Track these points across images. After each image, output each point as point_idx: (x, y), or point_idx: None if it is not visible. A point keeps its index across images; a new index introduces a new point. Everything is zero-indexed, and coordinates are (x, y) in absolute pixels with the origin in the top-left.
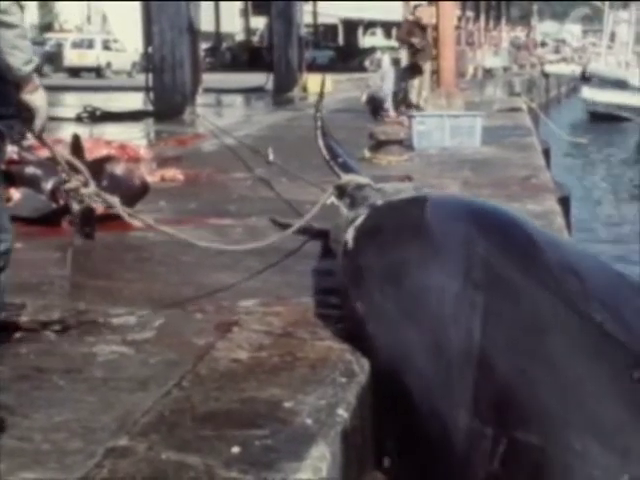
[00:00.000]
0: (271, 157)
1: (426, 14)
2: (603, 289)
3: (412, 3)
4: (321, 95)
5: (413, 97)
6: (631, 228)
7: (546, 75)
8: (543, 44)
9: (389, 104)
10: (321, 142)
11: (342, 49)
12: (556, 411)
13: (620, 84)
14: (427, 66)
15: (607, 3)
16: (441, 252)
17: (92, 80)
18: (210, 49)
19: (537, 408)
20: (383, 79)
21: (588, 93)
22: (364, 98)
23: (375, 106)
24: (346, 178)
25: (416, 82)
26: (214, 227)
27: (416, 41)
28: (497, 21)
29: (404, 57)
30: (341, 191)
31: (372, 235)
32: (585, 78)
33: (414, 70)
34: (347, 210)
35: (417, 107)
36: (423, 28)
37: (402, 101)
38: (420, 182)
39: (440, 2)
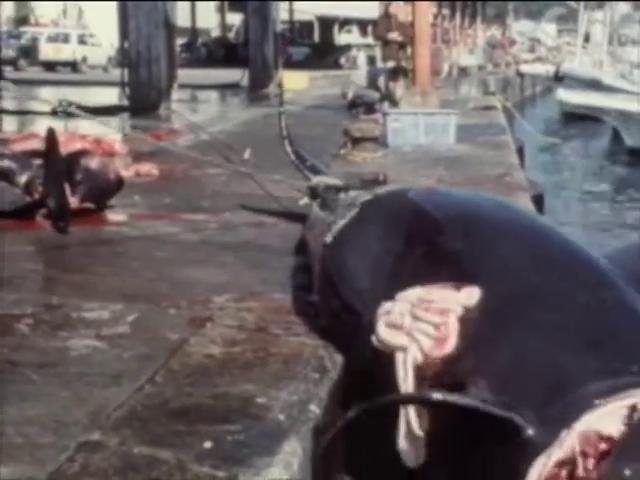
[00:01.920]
0: (246, 155)
1: (402, 12)
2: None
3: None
4: (281, 103)
5: (397, 97)
6: (605, 226)
7: (521, 75)
8: (512, 42)
9: (379, 105)
10: (289, 148)
11: (318, 46)
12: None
13: (594, 84)
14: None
15: (582, 3)
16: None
17: (67, 74)
18: (186, 45)
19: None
20: (373, 80)
21: (563, 94)
22: (350, 95)
23: (358, 105)
24: (316, 179)
25: (400, 83)
26: (188, 222)
27: (394, 37)
28: (473, 19)
29: (379, 55)
30: (313, 192)
31: (358, 231)
32: (558, 78)
33: (399, 72)
34: (319, 209)
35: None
36: (401, 25)
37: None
38: (395, 179)
39: (416, 0)
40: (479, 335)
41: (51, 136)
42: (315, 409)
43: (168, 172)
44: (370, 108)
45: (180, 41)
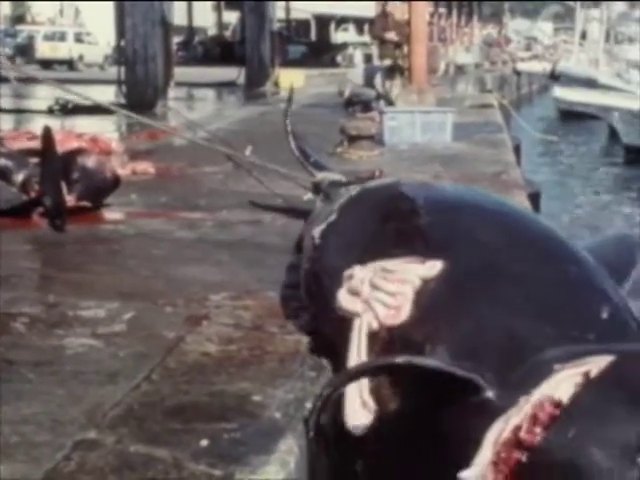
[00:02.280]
0: (248, 152)
1: (398, 10)
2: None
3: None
4: (290, 100)
5: (393, 96)
6: (601, 224)
7: (518, 73)
8: (507, 40)
9: (375, 103)
10: (293, 144)
11: (314, 44)
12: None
13: (590, 83)
14: (399, 80)
15: (578, 2)
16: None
17: (64, 73)
18: (182, 43)
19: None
20: (370, 78)
21: (559, 92)
22: (347, 93)
23: (354, 103)
24: (320, 175)
25: (397, 82)
26: (184, 220)
27: (391, 36)
28: (469, 18)
29: (375, 53)
30: (316, 188)
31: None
32: (554, 77)
33: (395, 70)
34: (322, 205)
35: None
36: (398, 24)
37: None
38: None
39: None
40: (438, 305)
41: (47, 134)
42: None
43: (164, 170)
44: (367, 106)
45: (177, 39)
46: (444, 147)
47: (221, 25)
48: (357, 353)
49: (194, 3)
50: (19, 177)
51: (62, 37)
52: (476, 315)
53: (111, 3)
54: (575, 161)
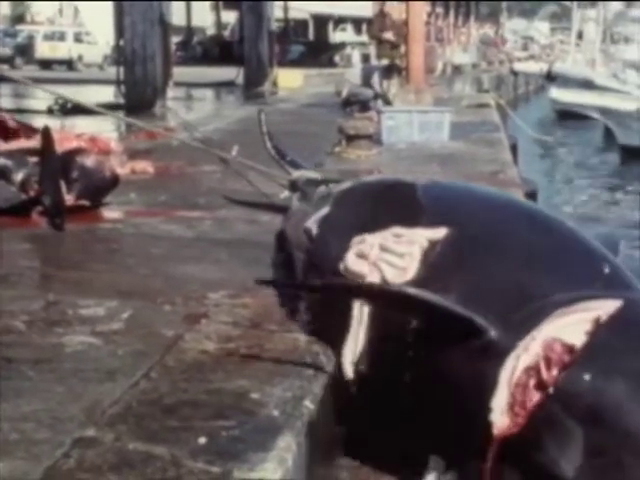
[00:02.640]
0: (234, 152)
1: (396, 10)
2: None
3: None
4: (265, 100)
5: (391, 95)
6: (598, 222)
7: (515, 73)
8: (504, 40)
9: (373, 103)
10: (269, 144)
11: (312, 44)
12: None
13: (586, 83)
14: (397, 80)
15: (575, 2)
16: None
17: (63, 72)
18: (181, 43)
19: None
20: (367, 78)
21: (556, 93)
22: (344, 93)
23: (352, 103)
24: (297, 173)
25: (394, 81)
26: (183, 219)
27: (388, 36)
28: (466, 18)
29: (373, 53)
30: (293, 185)
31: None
32: (550, 77)
33: (393, 70)
34: (298, 202)
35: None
36: (395, 24)
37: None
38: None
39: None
40: (444, 263)
41: (47, 134)
42: (309, 405)
43: (163, 169)
44: (364, 106)
45: (175, 39)
46: (442, 146)
47: (220, 25)
48: (359, 313)
49: (192, 3)
50: (18, 176)
51: (61, 37)
52: (481, 270)
53: (110, 3)
54: (571, 160)
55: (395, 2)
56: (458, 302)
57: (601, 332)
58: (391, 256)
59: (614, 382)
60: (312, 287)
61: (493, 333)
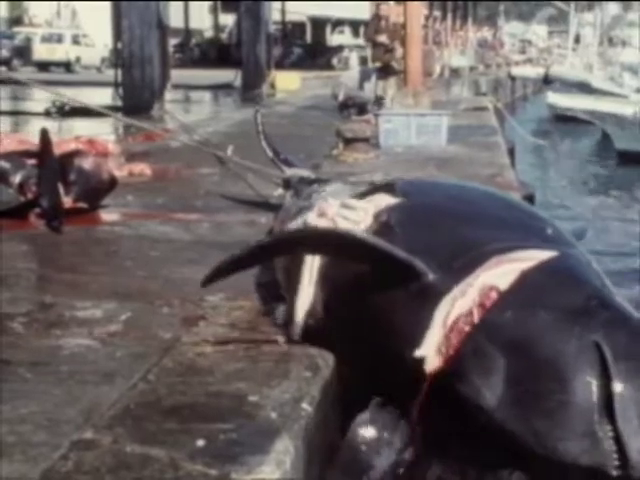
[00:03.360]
0: (229, 152)
1: (393, 13)
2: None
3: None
4: (261, 100)
5: (388, 97)
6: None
7: (513, 78)
8: (501, 44)
9: (371, 106)
10: (264, 143)
11: (310, 47)
12: None
13: (583, 87)
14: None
15: (572, 5)
16: None
17: (61, 75)
18: (179, 45)
19: None
20: (364, 80)
21: (553, 98)
22: (341, 96)
23: (349, 106)
24: (290, 172)
25: (391, 82)
26: (181, 222)
27: (382, 39)
28: (464, 21)
29: (369, 55)
30: (286, 184)
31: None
32: (547, 81)
33: (389, 72)
34: (292, 199)
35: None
36: (389, 27)
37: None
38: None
39: (407, 2)
40: (397, 219)
41: (45, 136)
42: (307, 407)
43: (161, 172)
44: (362, 109)
45: (173, 42)
46: (439, 150)
47: (217, 27)
48: (310, 269)
49: (190, 5)
50: (17, 178)
51: (59, 39)
52: (428, 225)
53: (108, 5)
54: (568, 165)
55: (391, 2)
56: (402, 249)
57: (529, 277)
58: (348, 211)
59: (534, 319)
60: (260, 246)
61: (431, 276)
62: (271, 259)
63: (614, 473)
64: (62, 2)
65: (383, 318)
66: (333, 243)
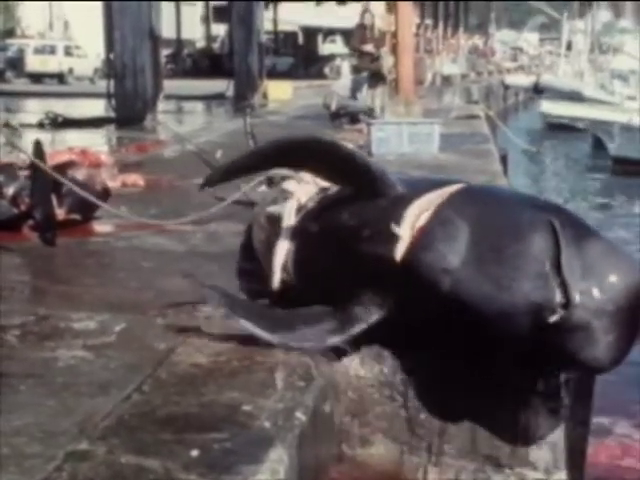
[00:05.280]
0: (218, 155)
1: (385, 21)
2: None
3: (362, 9)
4: (251, 105)
5: (376, 105)
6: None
7: (506, 87)
8: (492, 51)
9: (363, 116)
10: (251, 142)
11: (302, 56)
12: None
13: (574, 95)
14: (381, 89)
15: (565, 13)
16: None
17: (54, 86)
18: (171, 56)
19: None
20: (356, 90)
21: (546, 106)
22: (333, 106)
23: (341, 115)
24: (273, 171)
25: (379, 90)
26: (174, 232)
27: (368, 48)
28: (455, 29)
29: (356, 65)
30: (270, 181)
31: None
32: (538, 90)
33: (377, 79)
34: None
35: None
36: (373, 37)
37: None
38: None
39: (399, 9)
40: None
41: (38, 148)
42: (301, 417)
43: (154, 183)
44: (354, 118)
45: (165, 52)
46: (431, 158)
47: (209, 37)
48: (288, 219)
49: (182, 16)
50: (10, 190)
51: (52, 50)
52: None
53: (100, 16)
54: (561, 172)
55: (381, 4)
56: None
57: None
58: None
59: (494, 205)
60: (254, 152)
61: (399, 188)
62: (263, 167)
63: (559, 310)
64: (55, 14)
65: (359, 231)
66: (319, 152)
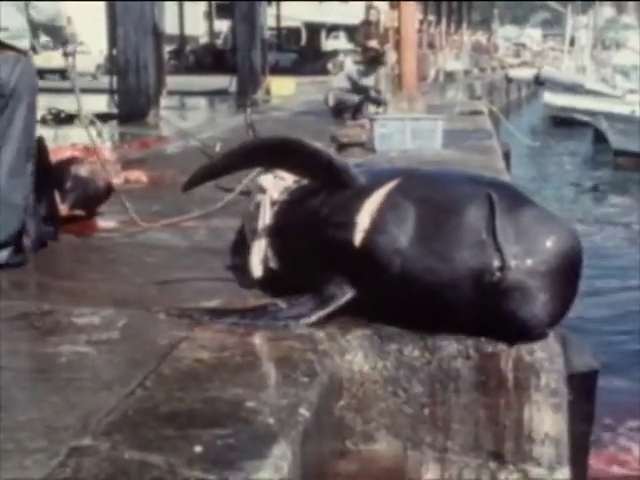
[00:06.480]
0: (217, 149)
1: (389, 18)
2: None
3: (367, 5)
4: (254, 101)
5: (382, 89)
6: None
7: (509, 80)
8: (495, 47)
9: (363, 109)
10: (251, 133)
11: (305, 52)
12: None
13: (575, 88)
14: (383, 70)
15: (569, 8)
16: None
17: (57, 82)
18: (174, 52)
19: None
20: (354, 83)
21: (548, 98)
22: (331, 102)
23: (341, 110)
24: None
25: (381, 72)
26: (177, 228)
27: (373, 44)
28: (458, 25)
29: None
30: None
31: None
32: (539, 82)
33: (375, 63)
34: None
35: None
36: (378, 32)
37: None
38: None
39: (402, 6)
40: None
41: (41, 144)
42: (305, 412)
43: (157, 179)
44: (357, 111)
45: (168, 48)
46: (434, 154)
47: (212, 33)
48: (264, 213)
49: (185, 12)
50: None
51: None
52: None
53: (103, 12)
54: (565, 166)
55: (381, 5)
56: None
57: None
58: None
59: (436, 185)
60: (229, 154)
61: (362, 180)
62: (238, 168)
63: (496, 273)
64: None
65: (326, 219)
66: (287, 151)
